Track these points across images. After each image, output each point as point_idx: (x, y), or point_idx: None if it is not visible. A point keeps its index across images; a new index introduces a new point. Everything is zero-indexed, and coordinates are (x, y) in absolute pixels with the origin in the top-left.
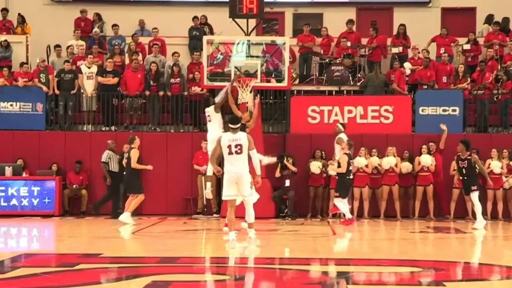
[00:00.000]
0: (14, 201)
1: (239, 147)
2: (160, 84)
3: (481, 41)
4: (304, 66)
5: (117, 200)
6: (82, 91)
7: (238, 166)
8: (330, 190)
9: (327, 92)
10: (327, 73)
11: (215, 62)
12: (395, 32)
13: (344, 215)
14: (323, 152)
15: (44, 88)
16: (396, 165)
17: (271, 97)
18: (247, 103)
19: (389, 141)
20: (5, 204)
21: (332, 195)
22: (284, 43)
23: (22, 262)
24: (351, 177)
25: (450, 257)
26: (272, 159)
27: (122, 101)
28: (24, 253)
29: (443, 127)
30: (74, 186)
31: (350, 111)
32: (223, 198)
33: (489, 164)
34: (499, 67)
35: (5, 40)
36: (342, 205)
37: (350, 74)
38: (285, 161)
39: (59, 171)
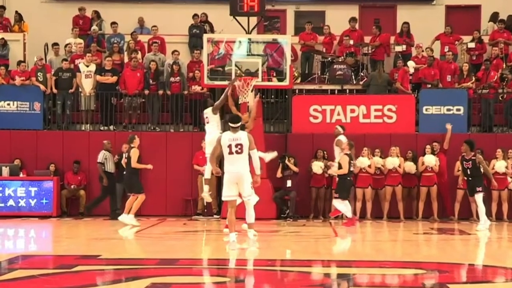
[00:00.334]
0: (11, 202)
1: (239, 146)
2: (159, 83)
3: (486, 39)
4: (306, 65)
5: (115, 201)
6: (80, 90)
7: (239, 166)
8: (332, 191)
9: (329, 91)
10: (329, 71)
11: (216, 57)
12: (398, 30)
13: (346, 216)
14: (325, 152)
15: (42, 87)
16: (399, 166)
17: (273, 96)
18: (248, 102)
19: (392, 141)
20: (2, 204)
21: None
22: (286, 41)
23: (19, 264)
24: (351, 178)
25: (454, 259)
26: (274, 153)
27: (121, 100)
28: (21, 254)
29: (448, 126)
30: (72, 186)
31: (352, 111)
32: (223, 198)
33: (494, 164)
34: (504, 65)
35: (2, 38)
36: (341, 205)
37: (352, 73)
38: (286, 161)
39: (57, 171)
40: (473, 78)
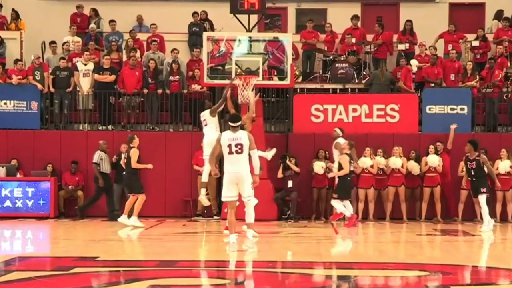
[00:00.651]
0: (8, 203)
1: (239, 146)
2: (158, 82)
3: (490, 37)
4: (307, 64)
5: (112, 202)
6: (78, 89)
7: (239, 166)
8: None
9: (331, 90)
10: (331, 70)
11: (217, 55)
12: (401, 28)
13: (347, 217)
14: (326, 152)
15: (39, 86)
16: (402, 166)
17: (273, 96)
18: (248, 102)
19: (395, 140)
20: None
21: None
22: (287, 40)
23: (16, 266)
24: (351, 177)
25: (458, 260)
26: (273, 150)
27: (120, 100)
28: (18, 256)
29: (453, 126)
30: (69, 187)
31: (354, 110)
32: (223, 199)
33: (498, 164)
34: (508, 64)
35: None
36: (339, 205)
37: (355, 72)
38: (287, 162)
39: (54, 171)
40: (477, 77)
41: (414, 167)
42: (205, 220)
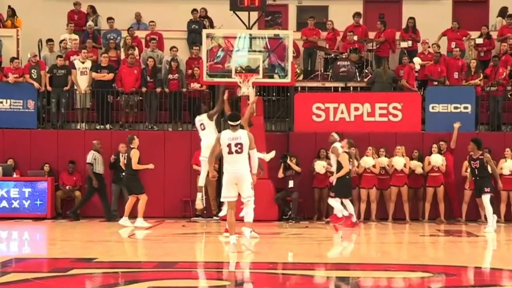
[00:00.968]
0: (4, 203)
1: (239, 146)
2: (157, 80)
3: (494, 35)
4: (308, 62)
5: (107, 202)
6: (75, 87)
7: (238, 166)
8: None
9: (332, 88)
10: (332, 68)
11: (215, 60)
12: (404, 26)
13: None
14: (328, 152)
15: (36, 85)
16: (405, 165)
17: (274, 94)
18: (248, 98)
19: (398, 140)
20: None
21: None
22: (288, 37)
23: (12, 267)
24: (350, 176)
25: (462, 261)
26: (272, 153)
27: (118, 98)
28: (14, 257)
29: (456, 125)
30: (67, 187)
31: (356, 109)
32: (222, 200)
33: (502, 164)
34: None
35: None
36: (336, 204)
37: (356, 70)
38: (288, 161)
39: (51, 171)
40: (481, 75)
41: (417, 167)
42: (204, 221)
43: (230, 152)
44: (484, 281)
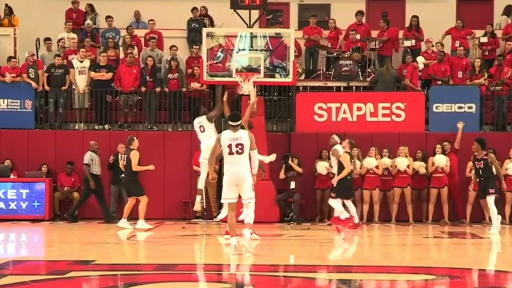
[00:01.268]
0: (1, 205)
1: (240, 146)
2: (157, 80)
3: (499, 33)
4: (310, 61)
5: (104, 204)
6: (73, 87)
7: (239, 167)
8: None
9: (334, 88)
10: (334, 68)
11: (215, 61)
12: (407, 24)
13: (350, 218)
14: (330, 152)
15: (33, 84)
16: (408, 166)
17: (275, 94)
18: (249, 97)
19: (401, 140)
20: None
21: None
22: (289, 36)
23: (10, 270)
24: (351, 176)
25: (466, 264)
26: (272, 156)
27: (116, 98)
28: (12, 260)
29: (460, 125)
30: (65, 188)
31: (359, 109)
32: (223, 201)
33: (507, 165)
34: None
35: None
36: (337, 204)
37: (359, 69)
38: (290, 162)
39: (49, 172)
40: (486, 74)
41: (420, 168)
42: (205, 223)
43: (230, 153)
44: (489, 283)
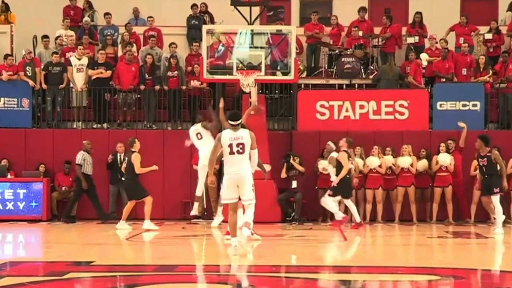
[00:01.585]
0: None
1: (241, 146)
2: (156, 78)
3: (503, 30)
4: (312, 58)
5: (98, 204)
6: (71, 85)
7: (240, 167)
8: None
9: (337, 85)
10: (337, 65)
11: (216, 55)
12: (410, 21)
13: (354, 219)
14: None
15: (31, 82)
16: (412, 165)
17: (277, 92)
18: (250, 94)
19: (405, 138)
20: None
21: (342, 199)
22: (291, 33)
23: (7, 271)
24: (350, 175)
25: (471, 264)
26: (267, 167)
27: (115, 96)
28: (9, 261)
29: (461, 125)
30: (63, 188)
31: (362, 107)
32: (223, 202)
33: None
34: None
35: None
36: (332, 204)
37: (362, 66)
38: (291, 161)
39: (46, 172)
40: (490, 72)
41: (424, 166)
42: (205, 223)
43: (231, 153)
44: (494, 284)
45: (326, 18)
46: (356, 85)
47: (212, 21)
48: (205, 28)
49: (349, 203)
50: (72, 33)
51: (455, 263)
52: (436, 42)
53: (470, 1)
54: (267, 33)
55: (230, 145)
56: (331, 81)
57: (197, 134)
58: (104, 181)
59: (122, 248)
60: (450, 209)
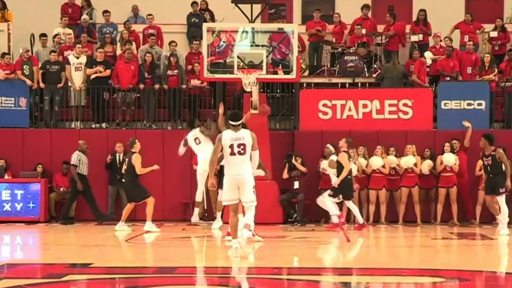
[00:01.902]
0: None
1: (242, 147)
2: (155, 77)
3: (509, 27)
4: (314, 56)
5: (94, 205)
6: (69, 84)
7: (241, 168)
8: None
9: (339, 84)
10: (339, 63)
11: (217, 51)
12: (414, 18)
13: (357, 220)
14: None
15: (28, 82)
16: (416, 165)
17: (278, 91)
18: (251, 94)
19: (408, 138)
20: None
21: (344, 200)
22: (292, 31)
23: (4, 273)
24: (351, 176)
25: (476, 266)
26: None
27: (114, 96)
28: (6, 263)
29: (466, 124)
30: (61, 189)
31: (365, 106)
32: (224, 203)
33: None
34: None
35: None
36: (331, 205)
37: (365, 65)
38: (293, 161)
39: (44, 172)
40: (496, 70)
41: (428, 167)
42: (206, 224)
43: (232, 154)
44: (499, 286)
45: (329, 15)
46: (359, 84)
47: (212, 19)
48: (205, 26)
49: (351, 204)
50: (70, 31)
51: (460, 265)
52: (441, 40)
53: None
54: (269, 31)
55: (231, 146)
56: (334, 80)
57: (195, 139)
58: (103, 181)
59: (121, 250)
60: (455, 210)
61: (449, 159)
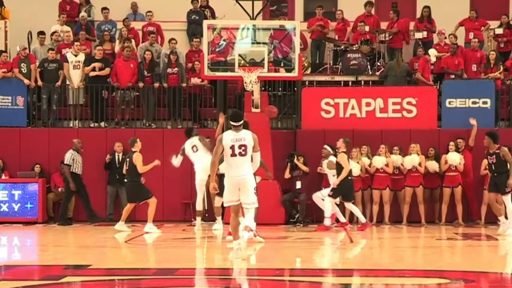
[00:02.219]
0: None
1: (243, 148)
2: (155, 75)
3: None
4: (316, 54)
5: (88, 204)
6: (68, 82)
7: (242, 169)
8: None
9: (342, 82)
10: (342, 61)
11: (217, 50)
12: (418, 15)
13: (360, 221)
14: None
15: (25, 80)
16: (420, 164)
17: (280, 89)
18: (252, 92)
19: (412, 137)
20: None
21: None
22: (294, 28)
23: (1, 275)
24: (351, 177)
25: (481, 267)
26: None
27: (113, 94)
28: (3, 264)
29: (473, 121)
30: (59, 189)
31: (368, 104)
32: (225, 205)
33: None
34: None
35: None
36: (329, 205)
37: (368, 63)
38: (295, 161)
39: (42, 172)
40: (501, 68)
41: (433, 166)
42: (206, 225)
43: (233, 155)
44: (505, 287)
45: (331, 12)
46: (362, 82)
47: (213, 16)
48: (206, 23)
49: (351, 206)
50: (68, 28)
51: (465, 266)
52: (445, 37)
53: None
54: (270, 29)
55: (232, 147)
56: (337, 78)
57: (192, 147)
58: (102, 181)
59: (120, 251)
60: (460, 210)
61: (454, 158)
